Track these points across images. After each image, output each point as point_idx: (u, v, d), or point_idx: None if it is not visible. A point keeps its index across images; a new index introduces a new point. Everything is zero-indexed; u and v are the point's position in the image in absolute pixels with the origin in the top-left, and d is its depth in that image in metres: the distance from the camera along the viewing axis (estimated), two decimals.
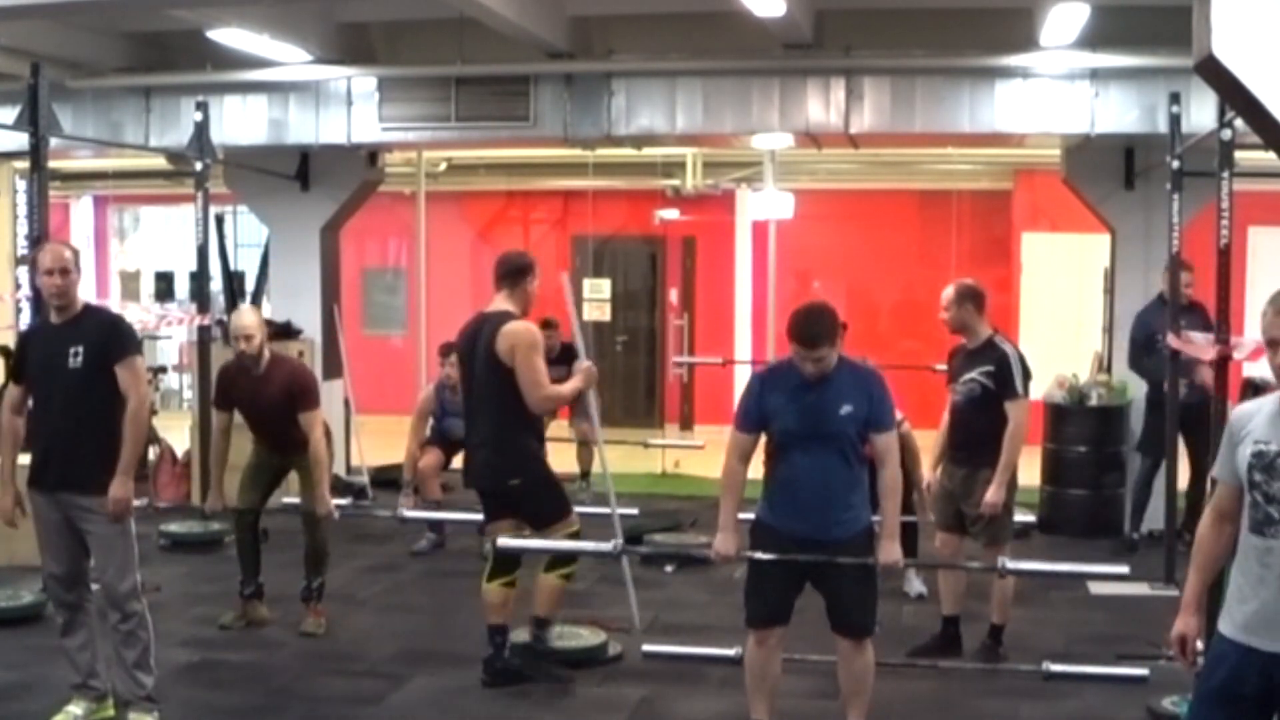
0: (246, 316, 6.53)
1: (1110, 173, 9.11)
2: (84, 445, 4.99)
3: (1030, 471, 9.16)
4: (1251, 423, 3.38)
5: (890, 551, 4.74)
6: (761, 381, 4.84)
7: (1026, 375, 5.91)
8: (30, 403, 5.16)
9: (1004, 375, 5.84)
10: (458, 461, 8.47)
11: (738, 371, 13.77)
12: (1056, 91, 8.42)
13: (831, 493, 4.70)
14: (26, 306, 10.22)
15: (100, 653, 5.16)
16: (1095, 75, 8.30)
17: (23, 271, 11.32)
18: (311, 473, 6.44)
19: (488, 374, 5.65)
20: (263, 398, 6.43)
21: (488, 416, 5.70)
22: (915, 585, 7.19)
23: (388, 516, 7.21)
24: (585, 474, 10.15)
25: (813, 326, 4.62)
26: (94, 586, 5.18)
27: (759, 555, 4.82)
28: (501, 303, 5.76)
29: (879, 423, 4.72)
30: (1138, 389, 8.85)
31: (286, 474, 6.71)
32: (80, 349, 4.96)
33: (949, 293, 6.03)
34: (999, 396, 5.85)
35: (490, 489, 5.79)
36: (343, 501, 6.44)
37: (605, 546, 5.76)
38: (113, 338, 5.07)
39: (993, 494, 5.82)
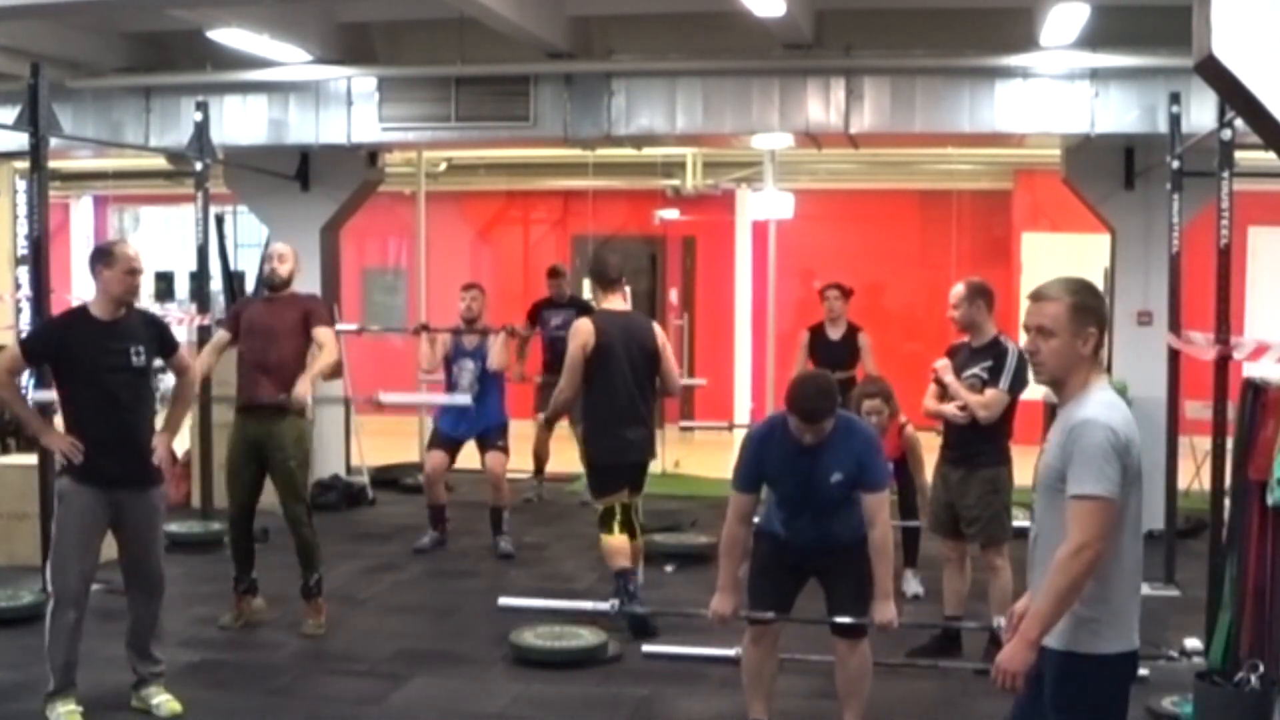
0: (282, 246, 6.74)
1: (1110, 173, 9.11)
2: (146, 440, 5.23)
3: (1031, 472, 9.17)
4: None
5: (884, 611, 4.75)
6: (758, 442, 4.86)
7: (1021, 377, 5.89)
8: (75, 400, 5.16)
9: (997, 368, 5.85)
10: (463, 460, 8.56)
11: (737, 374, 13.84)
12: (1056, 91, 8.41)
13: (829, 521, 4.81)
14: (27, 306, 10.21)
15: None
16: (1095, 75, 8.29)
17: (23, 271, 11.33)
18: (316, 361, 6.50)
19: (645, 364, 6.56)
20: (274, 320, 6.48)
21: (643, 400, 6.59)
22: (913, 586, 7.20)
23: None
24: None
25: (815, 402, 4.65)
26: (93, 584, 5.27)
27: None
28: (624, 302, 6.70)
29: (869, 484, 4.73)
30: (1137, 389, 8.84)
31: (268, 466, 6.62)
32: (141, 348, 5.17)
33: (959, 290, 6.02)
34: (991, 387, 5.85)
35: (645, 461, 6.68)
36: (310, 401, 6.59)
37: (603, 606, 5.95)
38: (163, 334, 5.39)
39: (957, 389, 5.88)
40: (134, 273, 5.19)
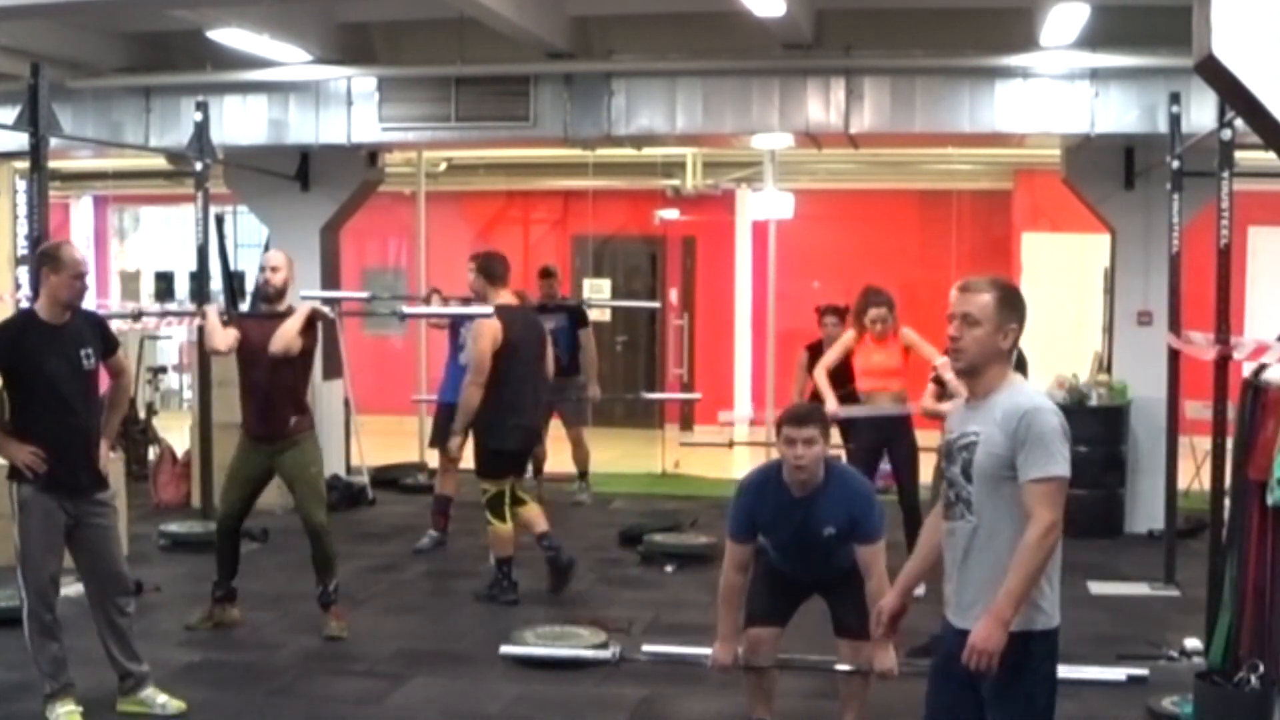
0: (276, 255, 6.57)
1: (1110, 173, 9.11)
2: (96, 443, 5.21)
3: None
4: (950, 420, 3.63)
5: (884, 659, 4.73)
6: (752, 491, 4.81)
7: (1020, 373, 5.88)
8: (29, 408, 5.06)
9: None
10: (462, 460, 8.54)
11: (737, 374, 13.85)
12: (1056, 91, 8.42)
13: (825, 561, 4.82)
14: (27, 306, 10.20)
15: None
16: (1095, 75, 8.29)
17: (23, 271, 11.31)
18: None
19: (540, 355, 7.26)
20: (272, 335, 6.25)
21: (541, 389, 7.26)
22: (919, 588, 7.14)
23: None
24: (583, 474, 10.16)
25: (805, 409, 4.82)
26: (73, 587, 5.32)
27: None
28: (512, 297, 7.20)
29: (862, 536, 4.69)
30: (1137, 389, 8.85)
31: (271, 477, 6.56)
32: (90, 350, 5.13)
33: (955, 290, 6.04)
34: None
35: (534, 447, 7.31)
36: None
37: (605, 655, 5.80)
38: (106, 335, 5.32)
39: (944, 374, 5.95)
40: (81, 276, 5.09)
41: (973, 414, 3.46)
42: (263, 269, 6.53)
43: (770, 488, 4.73)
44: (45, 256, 5.14)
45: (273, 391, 6.31)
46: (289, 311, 6.38)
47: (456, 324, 8.45)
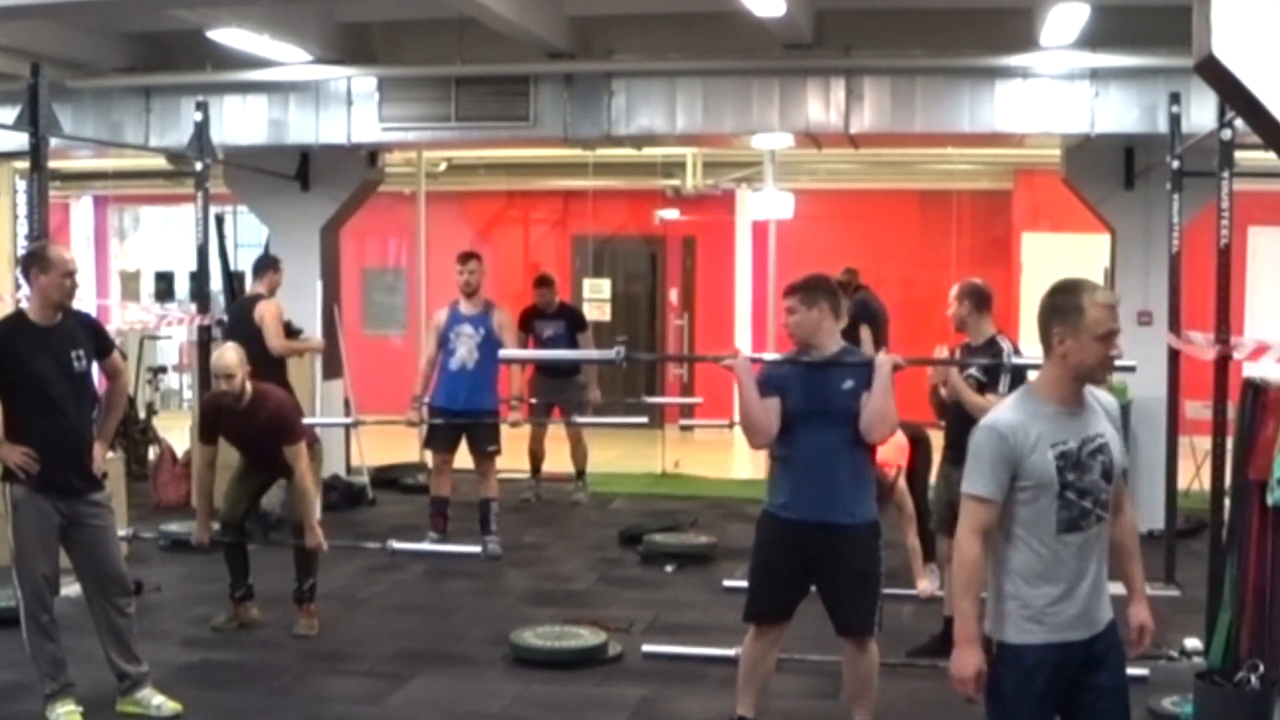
0: (228, 355, 6.36)
1: (1110, 173, 9.11)
2: (88, 444, 5.19)
3: None
4: (1032, 430, 3.37)
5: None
6: (774, 363, 5.16)
7: (1019, 378, 5.87)
8: (19, 410, 5.07)
9: (994, 371, 5.85)
10: (461, 460, 8.54)
11: None
12: (1056, 91, 8.42)
13: (837, 476, 4.76)
14: (26, 306, 10.20)
15: None
16: (1095, 75, 8.29)
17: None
18: (299, 504, 6.45)
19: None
20: (248, 431, 6.42)
21: None
22: (935, 581, 7.08)
23: (377, 549, 7.76)
24: (580, 473, 10.14)
25: (797, 282, 5.02)
26: (73, 587, 5.33)
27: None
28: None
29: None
30: (1137, 389, 8.84)
31: (274, 479, 6.67)
32: (81, 352, 5.12)
33: (953, 290, 6.09)
34: (989, 391, 5.85)
35: None
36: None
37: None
38: (100, 336, 5.33)
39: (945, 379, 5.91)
40: (70, 275, 5.09)
41: (1074, 419, 3.44)
42: (216, 377, 6.33)
43: (789, 361, 5.03)
44: (33, 258, 5.14)
45: (268, 459, 6.49)
46: (258, 405, 6.37)
47: (446, 329, 8.44)
